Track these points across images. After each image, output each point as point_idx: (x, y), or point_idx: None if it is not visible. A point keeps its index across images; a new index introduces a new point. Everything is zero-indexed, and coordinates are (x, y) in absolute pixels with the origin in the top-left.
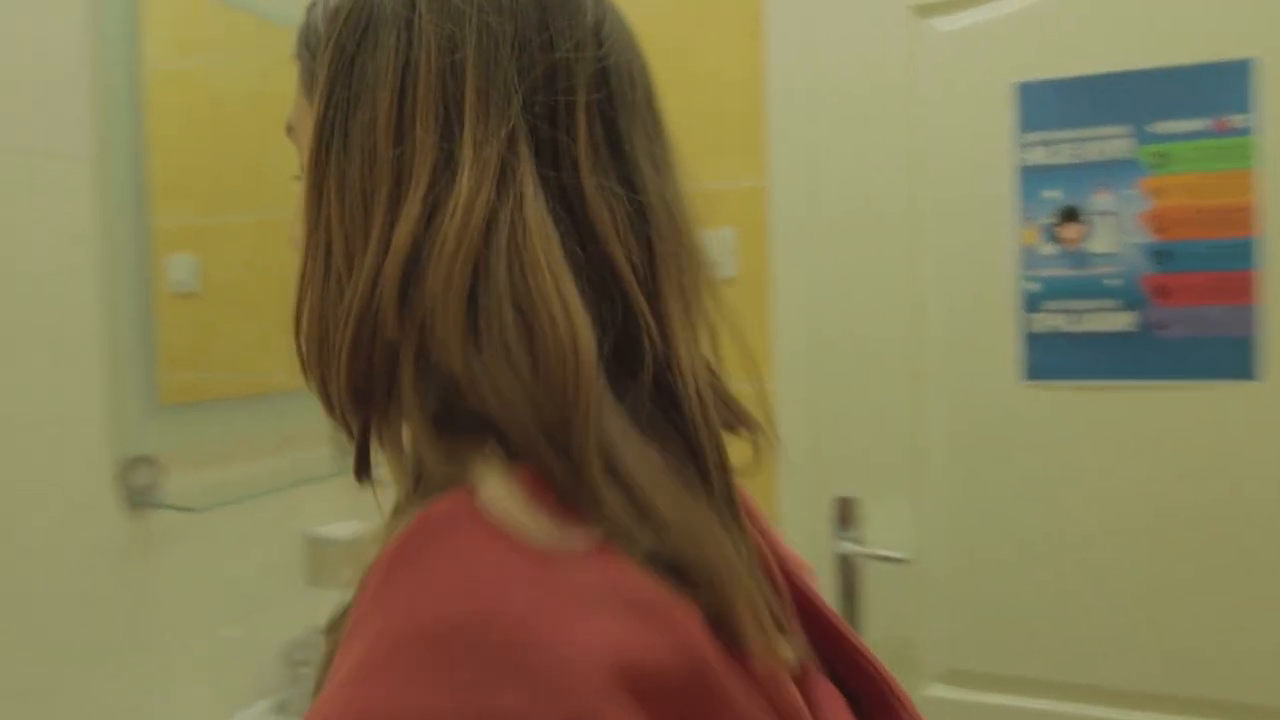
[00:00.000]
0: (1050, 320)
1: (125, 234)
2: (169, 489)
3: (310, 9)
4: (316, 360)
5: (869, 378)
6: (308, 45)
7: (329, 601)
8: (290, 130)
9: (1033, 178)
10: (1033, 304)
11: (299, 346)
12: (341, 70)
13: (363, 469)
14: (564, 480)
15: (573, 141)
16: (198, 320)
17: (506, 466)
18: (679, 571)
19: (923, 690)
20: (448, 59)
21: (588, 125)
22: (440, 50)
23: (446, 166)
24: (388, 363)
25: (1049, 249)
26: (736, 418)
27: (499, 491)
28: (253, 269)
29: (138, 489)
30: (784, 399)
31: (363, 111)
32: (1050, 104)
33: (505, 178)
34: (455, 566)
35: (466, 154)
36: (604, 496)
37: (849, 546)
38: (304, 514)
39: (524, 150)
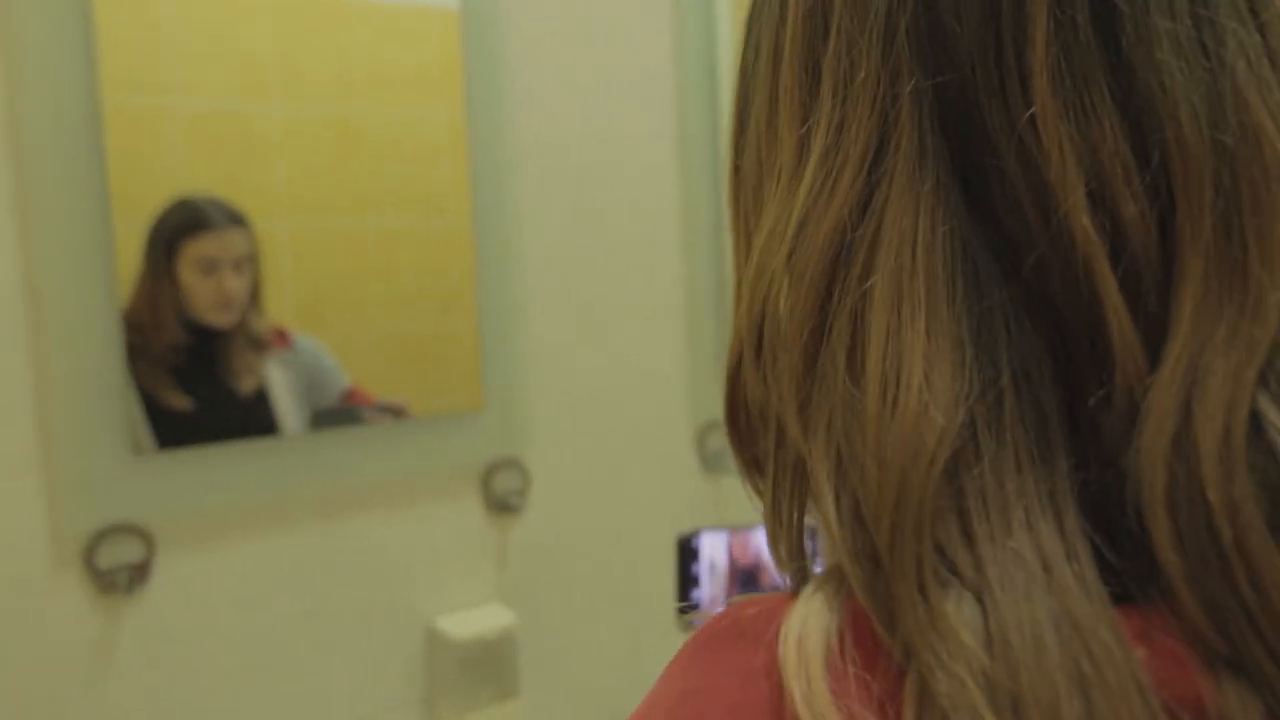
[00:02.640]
0: None
1: (703, 207)
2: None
3: None
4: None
5: None
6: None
7: None
8: None
9: None
10: None
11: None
12: (746, 64)
13: (776, 556)
14: (880, 619)
15: (1022, 42)
16: None
17: (837, 591)
18: None
19: None
20: (813, 9)
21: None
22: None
23: (800, 160)
24: (763, 431)
25: None
26: None
27: (804, 625)
28: None
29: (712, 453)
30: None
31: (754, 105)
32: None
33: (879, 156)
34: (686, 702)
35: (817, 138)
36: (938, 660)
37: None
38: None
39: (908, 106)
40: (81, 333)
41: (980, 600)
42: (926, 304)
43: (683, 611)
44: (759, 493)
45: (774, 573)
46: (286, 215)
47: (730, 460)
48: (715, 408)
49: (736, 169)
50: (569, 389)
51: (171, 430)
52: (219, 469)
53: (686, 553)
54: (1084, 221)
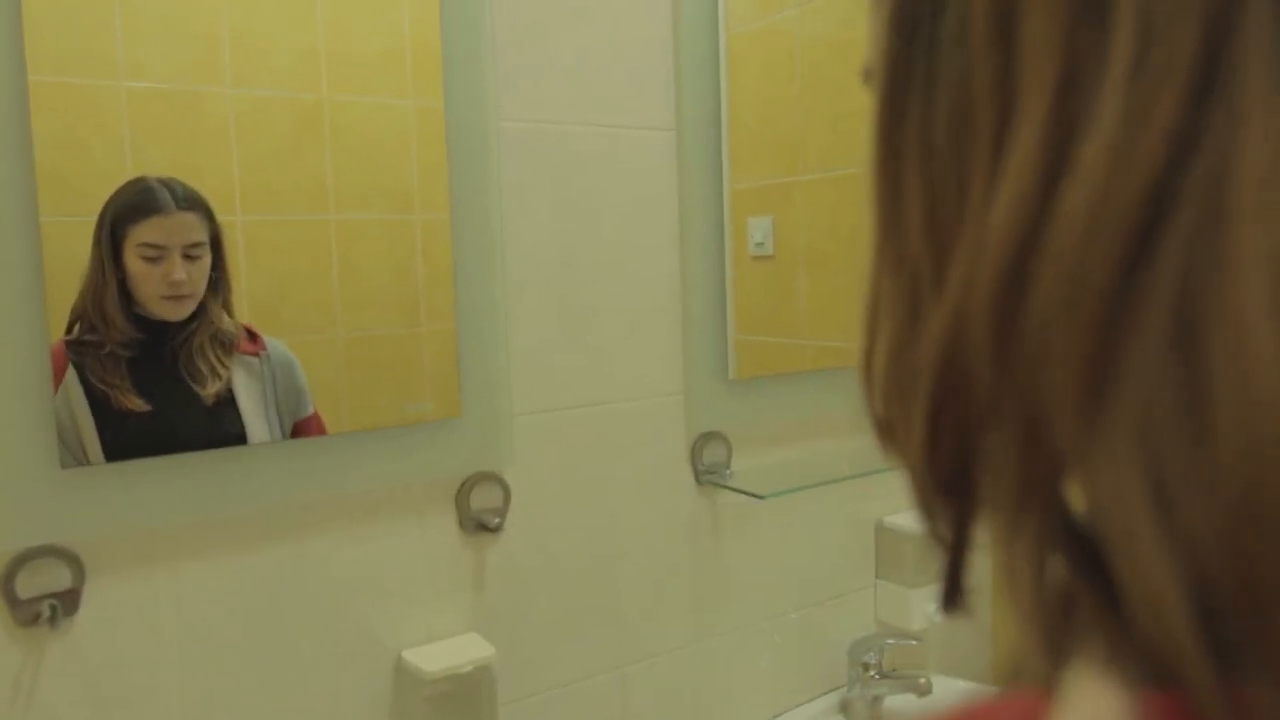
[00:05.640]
0: None
1: (701, 203)
2: (737, 468)
3: None
4: (895, 423)
5: None
6: None
7: (897, 596)
8: (870, 77)
9: None
10: None
11: (870, 405)
12: None
13: (953, 597)
14: None
15: None
16: (771, 284)
17: (1128, 681)
18: None
19: None
20: None
21: None
22: None
23: (1082, 71)
24: (983, 437)
25: None
26: None
27: None
28: (829, 230)
29: (709, 466)
30: None
31: (951, 14)
32: None
33: (1212, 74)
34: None
35: (1121, 38)
36: None
37: None
38: (876, 500)
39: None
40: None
41: None
42: None
43: None
44: (939, 527)
45: None
46: (242, 207)
47: (727, 474)
48: (711, 418)
49: (894, 155)
50: (553, 397)
51: (126, 435)
52: (159, 484)
53: None
54: None
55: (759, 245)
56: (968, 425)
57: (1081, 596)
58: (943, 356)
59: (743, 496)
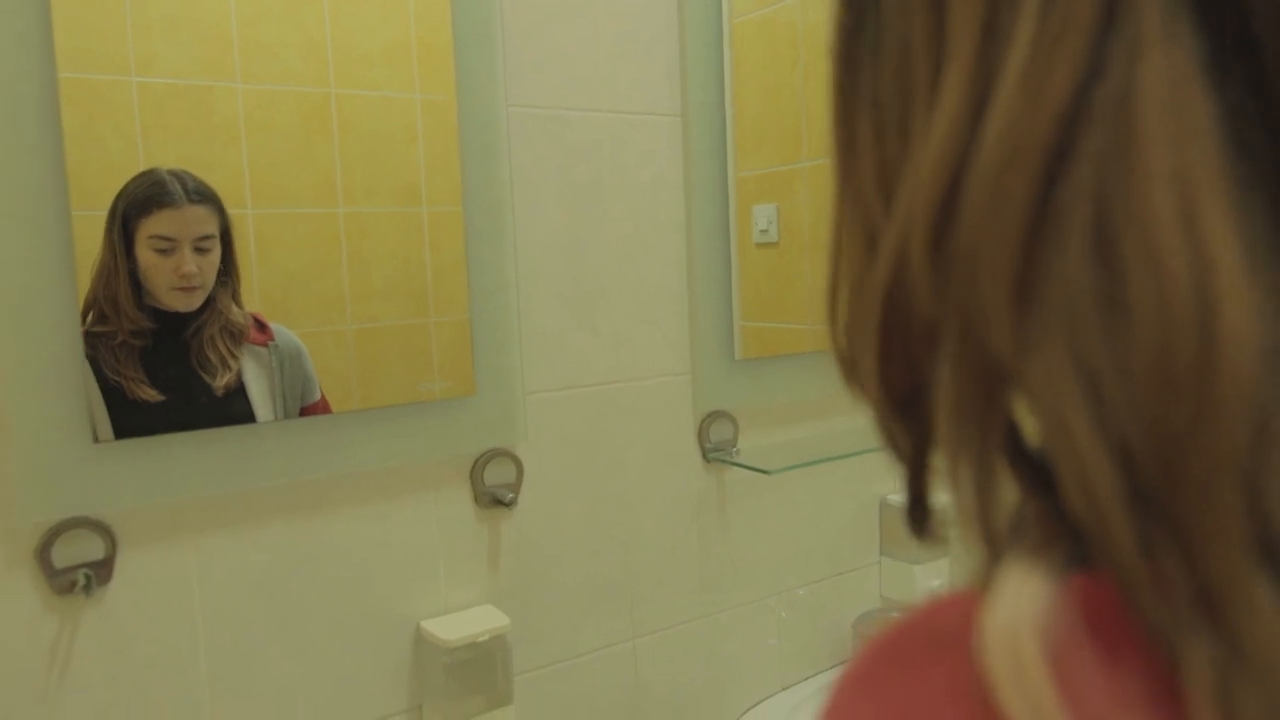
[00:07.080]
0: None
1: (707, 189)
2: (744, 446)
3: None
4: (856, 356)
5: None
6: None
7: (901, 572)
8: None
9: None
10: None
11: (834, 341)
12: None
13: (918, 518)
14: (1155, 602)
15: None
16: (775, 271)
17: (1054, 566)
18: None
19: None
20: None
21: None
22: None
23: (1000, 19)
24: (930, 355)
25: None
26: None
27: (1013, 618)
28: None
29: (716, 444)
30: None
31: None
32: None
33: (1111, 14)
34: None
35: None
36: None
37: None
38: (880, 478)
39: None
40: (35, 316)
41: None
42: (1214, 165)
43: None
44: (900, 448)
45: None
46: (252, 201)
47: (733, 451)
48: (718, 397)
49: (849, 115)
50: (565, 376)
51: (136, 421)
52: (189, 459)
53: None
54: None
55: (763, 232)
56: (913, 345)
57: (1021, 497)
58: (888, 282)
59: (749, 474)
